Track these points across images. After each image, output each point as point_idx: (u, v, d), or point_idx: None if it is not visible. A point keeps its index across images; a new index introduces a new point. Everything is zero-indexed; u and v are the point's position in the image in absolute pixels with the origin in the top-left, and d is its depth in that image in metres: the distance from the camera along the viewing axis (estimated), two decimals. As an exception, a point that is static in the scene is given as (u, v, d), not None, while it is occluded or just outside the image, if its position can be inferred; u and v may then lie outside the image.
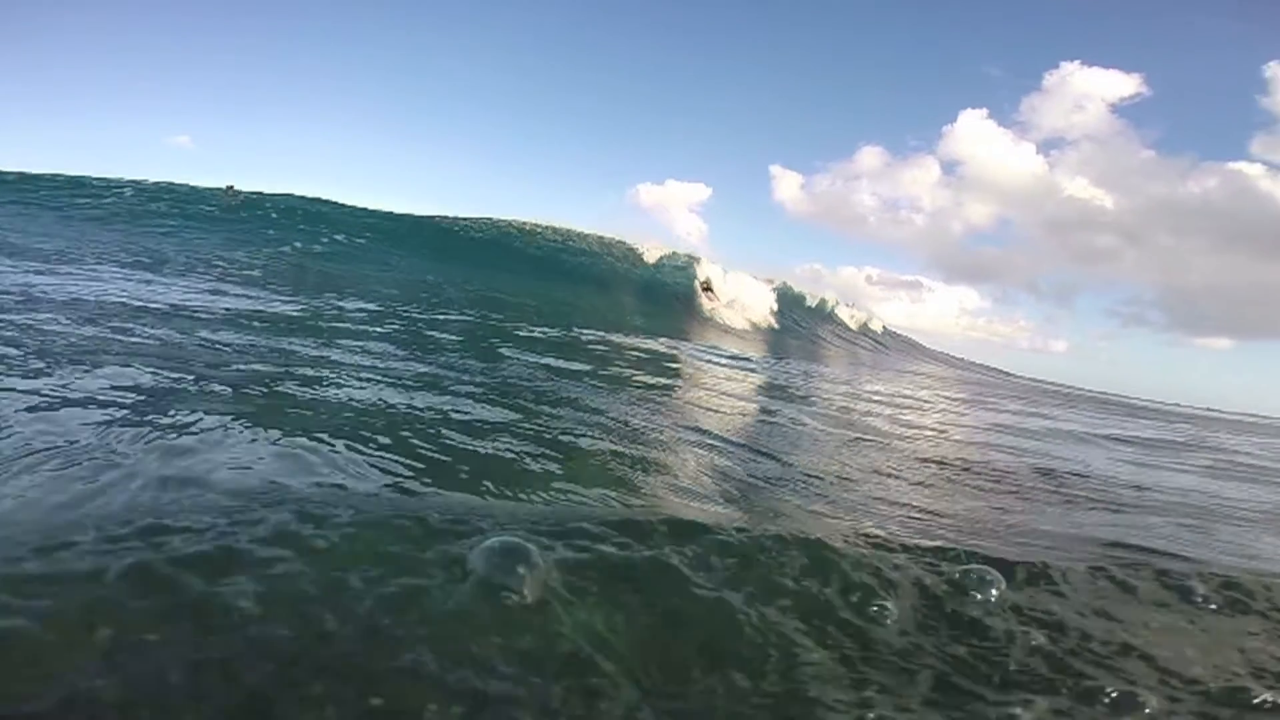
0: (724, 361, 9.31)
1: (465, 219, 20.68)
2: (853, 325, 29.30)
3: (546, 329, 8.15)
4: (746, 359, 10.68)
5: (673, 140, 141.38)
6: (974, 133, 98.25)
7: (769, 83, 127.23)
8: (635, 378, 5.64)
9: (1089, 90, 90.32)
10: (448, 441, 2.51)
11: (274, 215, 16.47)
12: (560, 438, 2.89)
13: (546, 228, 21.55)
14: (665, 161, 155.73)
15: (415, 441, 2.40)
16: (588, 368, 5.56)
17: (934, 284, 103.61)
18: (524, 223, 21.44)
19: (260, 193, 18.33)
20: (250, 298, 6.24)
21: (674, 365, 7.68)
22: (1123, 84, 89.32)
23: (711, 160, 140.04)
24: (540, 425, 3.03)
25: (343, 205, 19.04)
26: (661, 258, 21.95)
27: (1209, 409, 30.12)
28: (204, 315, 4.72)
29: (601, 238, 22.23)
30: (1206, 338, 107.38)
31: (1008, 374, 38.76)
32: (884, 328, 34.47)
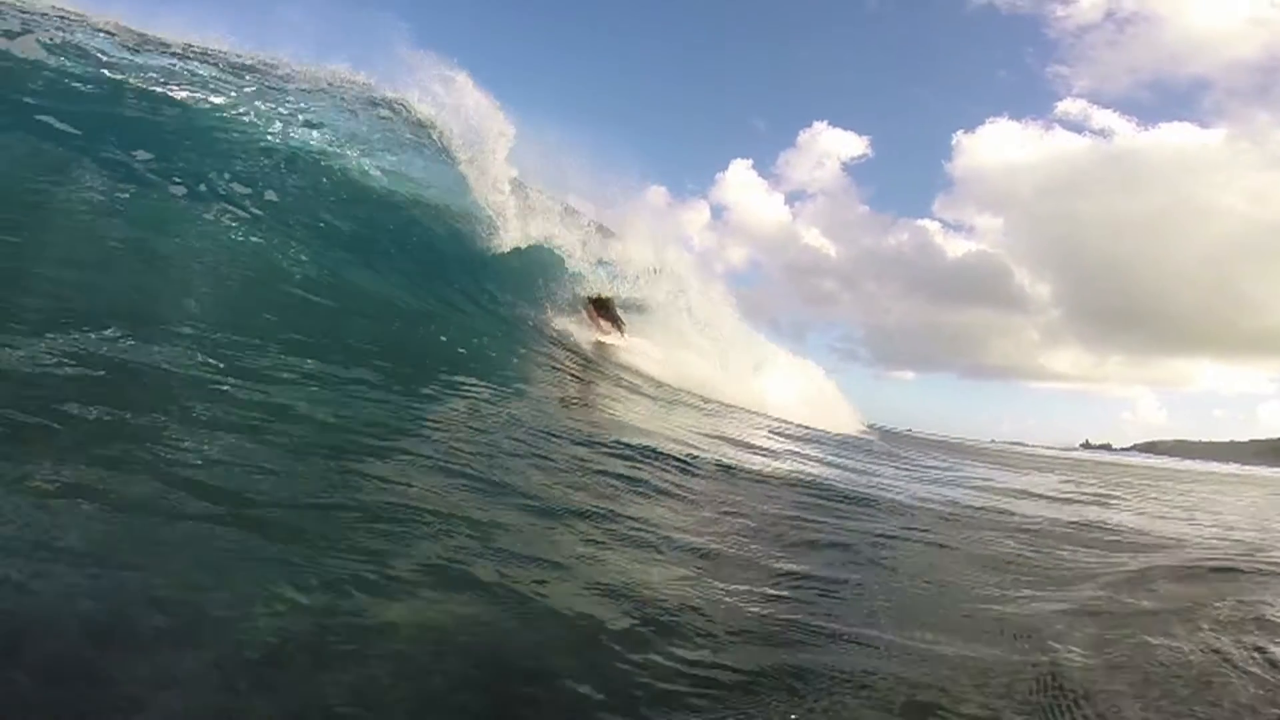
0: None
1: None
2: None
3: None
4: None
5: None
6: (740, 181, 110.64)
7: (578, 111, 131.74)
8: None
9: (830, 149, 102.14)
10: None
11: None
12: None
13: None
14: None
15: None
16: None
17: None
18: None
19: None
20: None
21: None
22: (855, 144, 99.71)
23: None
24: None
25: None
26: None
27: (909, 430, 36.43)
28: None
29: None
30: (898, 370, 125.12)
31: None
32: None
